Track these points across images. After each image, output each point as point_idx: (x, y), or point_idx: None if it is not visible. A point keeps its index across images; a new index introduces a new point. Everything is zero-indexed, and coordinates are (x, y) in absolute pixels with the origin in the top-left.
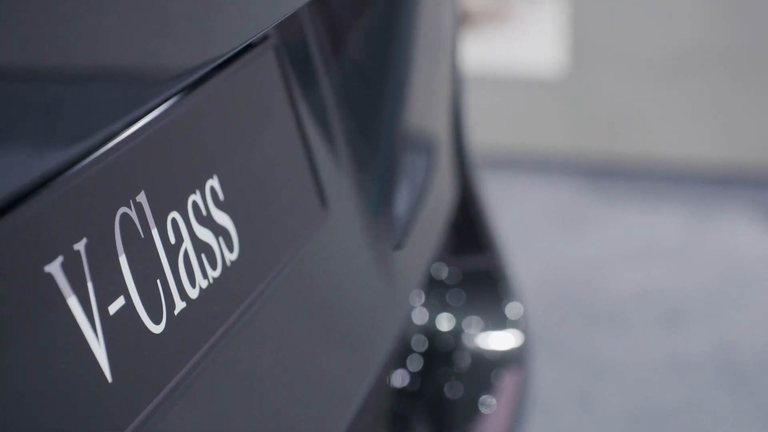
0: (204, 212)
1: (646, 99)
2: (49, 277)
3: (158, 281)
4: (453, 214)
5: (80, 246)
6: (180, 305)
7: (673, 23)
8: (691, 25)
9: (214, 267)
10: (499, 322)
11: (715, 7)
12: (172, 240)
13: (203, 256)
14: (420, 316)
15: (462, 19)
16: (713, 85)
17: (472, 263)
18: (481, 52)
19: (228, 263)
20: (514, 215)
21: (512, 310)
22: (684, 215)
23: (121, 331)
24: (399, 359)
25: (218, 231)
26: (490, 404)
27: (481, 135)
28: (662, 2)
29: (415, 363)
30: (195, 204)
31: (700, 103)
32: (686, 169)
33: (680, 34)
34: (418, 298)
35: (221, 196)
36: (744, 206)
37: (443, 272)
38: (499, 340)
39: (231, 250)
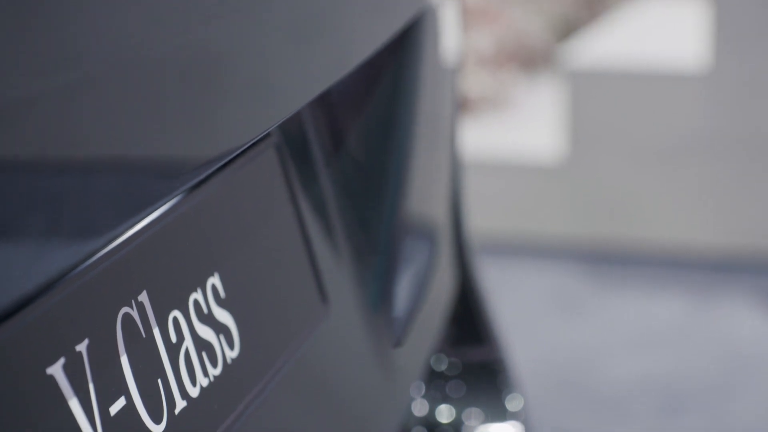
0: (205, 310)
1: (646, 185)
2: (51, 379)
3: (159, 380)
4: (453, 305)
5: (82, 347)
6: (180, 404)
7: (672, 109)
8: (691, 111)
9: (214, 365)
10: (500, 414)
11: (716, 94)
12: (174, 338)
13: (204, 354)
14: (420, 407)
15: (461, 106)
16: (713, 171)
17: (472, 355)
18: (481, 138)
19: (228, 361)
20: (514, 301)
21: (512, 401)
22: (684, 301)
23: (122, 431)
24: None
25: (219, 328)
26: None
27: (480, 221)
28: (662, 88)
29: None
30: (196, 302)
31: (700, 189)
32: (686, 255)
33: (680, 119)
34: (417, 390)
35: (222, 294)
36: (744, 292)
37: (443, 364)
38: None
39: (231, 347)
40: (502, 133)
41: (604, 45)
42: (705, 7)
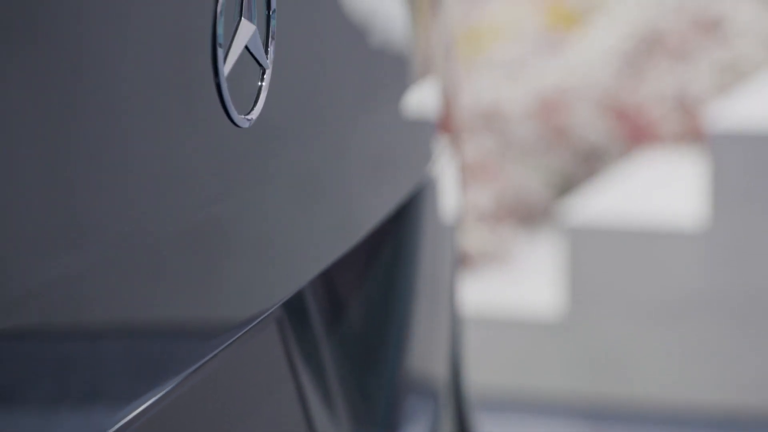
0: None
1: (646, 342)
2: None
3: None
4: None
5: None
6: None
7: (671, 267)
8: (689, 269)
9: None
10: None
11: (714, 252)
12: None
13: None
14: None
15: (461, 261)
16: (713, 329)
17: None
18: (480, 294)
19: None
20: None
21: None
22: None
23: None
24: None
25: None
26: None
27: (479, 376)
28: (660, 245)
29: None
30: None
31: (701, 347)
32: (688, 412)
33: (679, 277)
34: None
35: None
36: None
37: None
38: None
39: None
40: (502, 289)
41: (602, 202)
42: (703, 165)
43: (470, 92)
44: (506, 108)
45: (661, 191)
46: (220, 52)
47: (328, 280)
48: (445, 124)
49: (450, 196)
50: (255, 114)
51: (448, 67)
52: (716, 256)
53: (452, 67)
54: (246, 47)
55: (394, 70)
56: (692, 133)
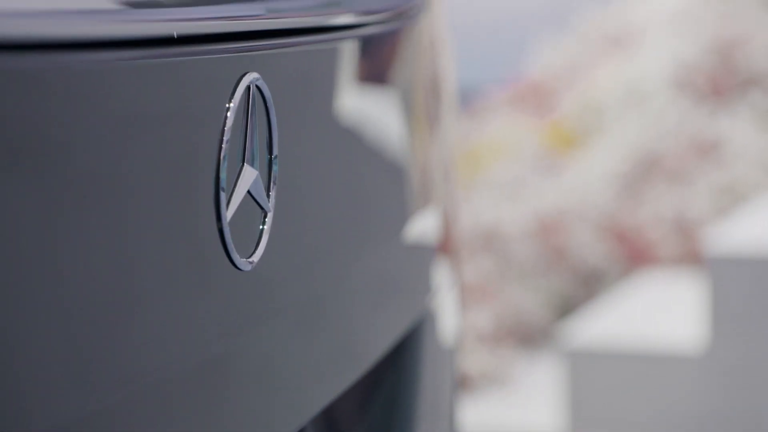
0: None
1: None
2: None
3: None
4: None
5: None
6: None
7: (672, 390)
8: (690, 392)
9: None
10: None
11: (715, 376)
12: None
13: None
14: None
15: (460, 384)
16: None
17: None
18: (480, 416)
19: None
20: None
21: None
22: None
23: None
24: None
25: None
26: None
27: None
28: (661, 369)
29: None
30: None
31: None
32: None
33: (680, 400)
34: None
35: None
36: None
37: None
38: None
39: None
40: (502, 411)
41: (602, 324)
42: (702, 287)
43: (470, 212)
44: (506, 228)
45: (660, 314)
46: (223, 196)
47: (328, 416)
48: (445, 246)
49: (450, 322)
50: (257, 257)
51: (448, 189)
52: (716, 378)
53: (452, 189)
54: (248, 192)
55: (395, 200)
56: (691, 255)
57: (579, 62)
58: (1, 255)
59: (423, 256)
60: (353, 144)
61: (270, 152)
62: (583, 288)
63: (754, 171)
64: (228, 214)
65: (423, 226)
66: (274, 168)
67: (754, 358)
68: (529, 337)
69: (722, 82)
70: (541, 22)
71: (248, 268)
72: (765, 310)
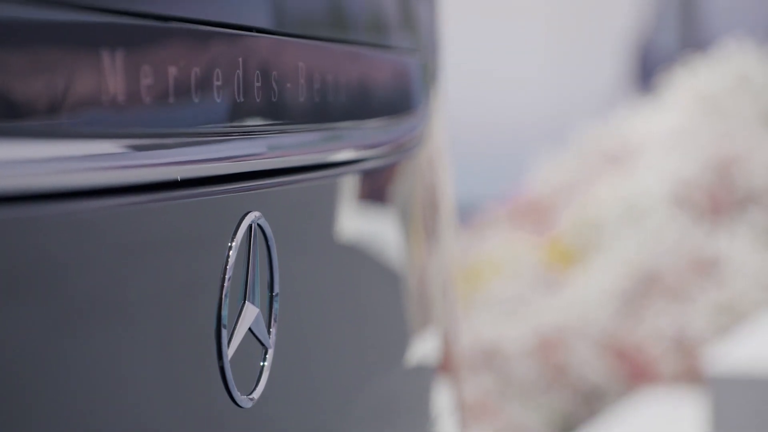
0: None
1: None
2: None
3: None
4: None
5: None
6: None
7: None
8: None
9: None
10: None
11: None
12: None
13: None
14: None
15: None
16: None
17: None
18: None
19: None
20: None
21: None
22: None
23: None
24: None
25: None
26: None
27: None
28: None
29: None
30: None
31: None
32: None
33: None
34: None
35: None
36: None
37: None
38: None
39: None
40: None
41: None
42: (703, 406)
43: (469, 329)
44: (505, 346)
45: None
46: (224, 333)
47: None
48: (446, 367)
49: None
50: (257, 393)
51: (448, 309)
52: None
53: (452, 309)
54: (250, 329)
55: (395, 325)
56: (691, 372)
57: (578, 178)
58: (8, 388)
59: (424, 379)
60: (353, 273)
61: (271, 290)
62: (584, 406)
63: (753, 289)
64: (229, 352)
65: (424, 348)
66: (275, 306)
67: None
68: None
69: (721, 199)
70: (540, 137)
71: (249, 405)
72: (766, 430)
